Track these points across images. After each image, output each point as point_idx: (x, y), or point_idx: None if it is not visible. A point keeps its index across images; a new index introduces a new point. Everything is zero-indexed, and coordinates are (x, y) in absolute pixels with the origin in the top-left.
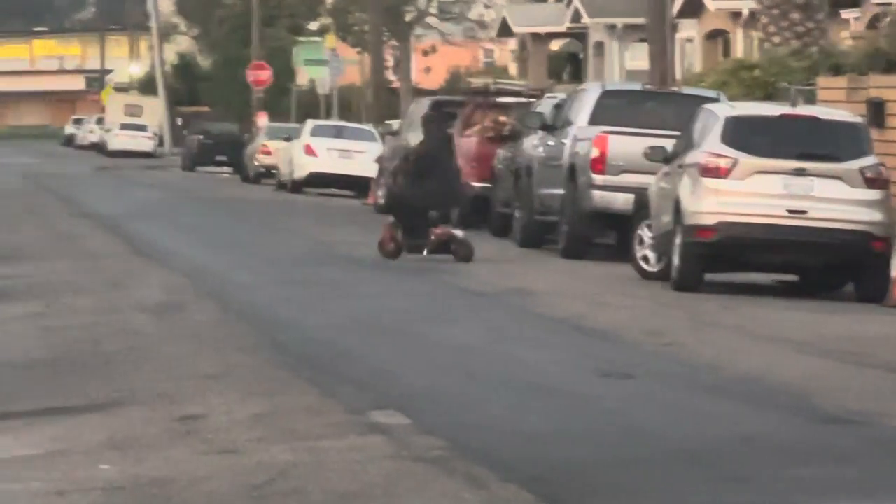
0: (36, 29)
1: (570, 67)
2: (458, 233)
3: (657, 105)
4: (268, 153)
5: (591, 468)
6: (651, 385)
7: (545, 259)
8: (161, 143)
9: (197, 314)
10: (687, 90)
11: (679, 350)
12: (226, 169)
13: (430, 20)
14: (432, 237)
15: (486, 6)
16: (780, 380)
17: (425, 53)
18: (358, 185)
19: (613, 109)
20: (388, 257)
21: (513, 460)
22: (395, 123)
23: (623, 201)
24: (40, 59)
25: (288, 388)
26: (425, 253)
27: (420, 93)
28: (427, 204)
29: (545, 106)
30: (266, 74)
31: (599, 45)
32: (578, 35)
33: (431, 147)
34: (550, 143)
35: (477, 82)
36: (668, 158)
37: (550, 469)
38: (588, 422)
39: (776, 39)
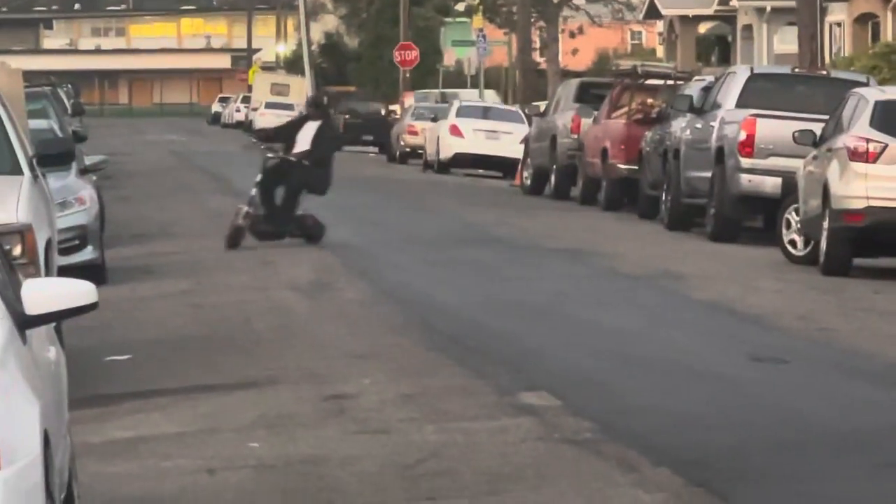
0: (183, 7)
1: (718, 50)
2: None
3: (806, 89)
4: (414, 133)
5: (743, 453)
6: (805, 370)
7: (694, 242)
8: None
9: (347, 293)
10: (836, 74)
11: (832, 336)
12: (372, 148)
13: (578, 1)
14: (310, 222)
15: None
16: None
17: (572, 35)
18: (504, 166)
19: (762, 93)
20: (234, 246)
21: (664, 444)
22: (541, 105)
23: (771, 185)
24: (187, 38)
25: (438, 368)
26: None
27: (567, 74)
28: (317, 190)
29: (693, 88)
30: (413, 54)
31: (748, 28)
32: (727, 18)
33: (334, 132)
34: (698, 125)
35: (625, 64)
36: (816, 142)
37: (703, 453)
38: (741, 406)
39: None
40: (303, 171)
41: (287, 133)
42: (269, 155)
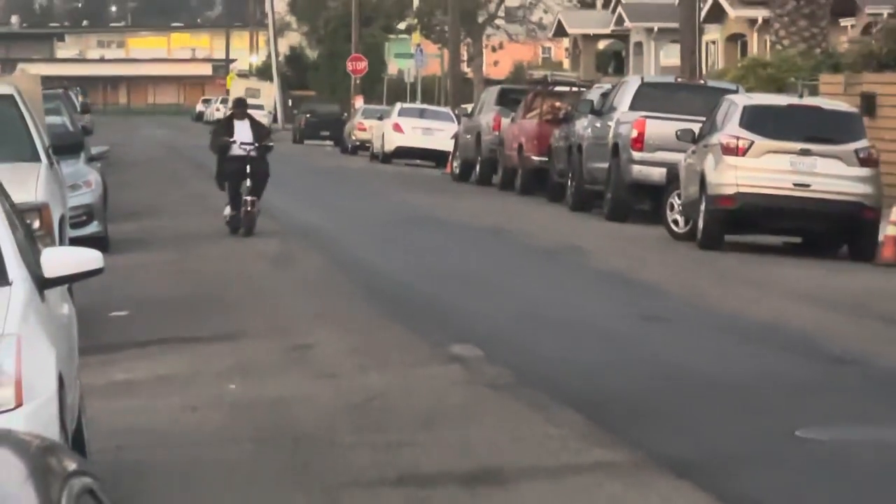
0: (173, 24)
1: (614, 63)
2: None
3: (687, 95)
4: (363, 129)
5: (633, 397)
6: (686, 328)
7: (593, 221)
8: (275, 119)
9: (307, 264)
10: (711, 83)
11: (707, 300)
12: (328, 142)
13: (499, 22)
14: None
15: (545, 11)
16: (791, 326)
17: (494, 49)
18: (437, 158)
19: (650, 98)
20: (249, 234)
21: (569, 388)
22: (468, 107)
23: (657, 174)
24: (176, 50)
25: (382, 325)
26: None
27: (489, 82)
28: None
29: (594, 94)
30: (363, 65)
31: (639, 45)
32: (621, 36)
33: (264, 127)
34: (598, 125)
35: (537, 74)
36: (695, 139)
37: (600, 397)
38: (633, 358)
39: (786, 42)
40: (259, 163)
41: (223, 135)
42: (238, 151)
